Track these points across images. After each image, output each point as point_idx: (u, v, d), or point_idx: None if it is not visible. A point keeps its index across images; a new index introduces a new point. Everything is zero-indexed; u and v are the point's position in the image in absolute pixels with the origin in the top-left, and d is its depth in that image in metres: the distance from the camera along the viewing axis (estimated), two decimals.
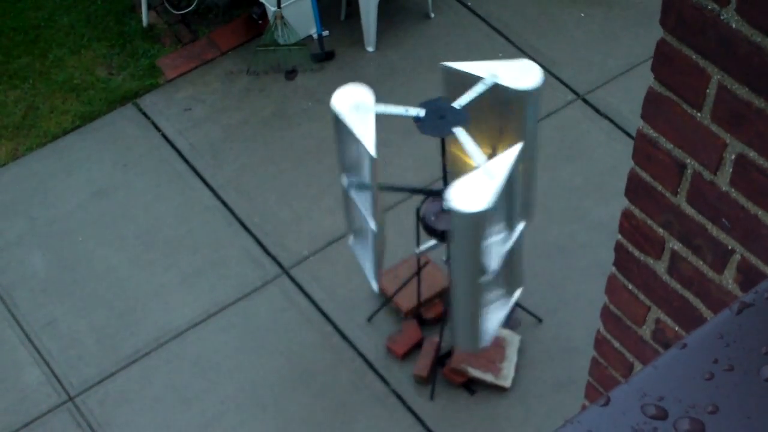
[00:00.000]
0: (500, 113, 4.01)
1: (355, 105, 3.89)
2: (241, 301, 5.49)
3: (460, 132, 3.93)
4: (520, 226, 4.01)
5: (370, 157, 3.82)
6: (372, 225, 4.14)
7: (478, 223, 3.58)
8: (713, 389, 0.99)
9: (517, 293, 4.29)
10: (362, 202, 4.17)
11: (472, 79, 3.98)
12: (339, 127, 3.96)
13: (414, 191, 4.88)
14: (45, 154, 6.13)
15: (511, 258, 4.08)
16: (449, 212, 4.36)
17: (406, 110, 4.01)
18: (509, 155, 3.66)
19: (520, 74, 3.91)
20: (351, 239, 4.57)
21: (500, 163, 3.63)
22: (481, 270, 3.83)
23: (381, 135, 3.87)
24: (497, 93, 3.94)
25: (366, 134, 3.82)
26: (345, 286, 5.45)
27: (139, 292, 5.54)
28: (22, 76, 6.47)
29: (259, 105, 6.29)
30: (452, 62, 4.06)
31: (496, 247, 3.91)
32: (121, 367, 5.30)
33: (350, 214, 4.39)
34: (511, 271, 4.16)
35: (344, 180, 4.17)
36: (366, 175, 4.02)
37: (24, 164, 6.09)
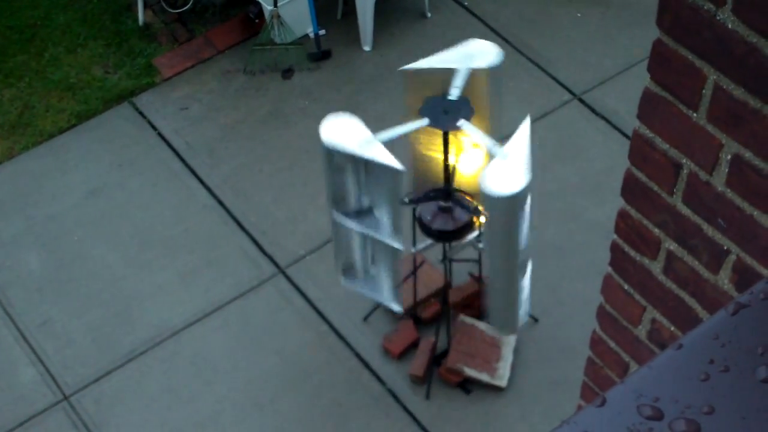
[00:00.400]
0: (472, 98, 4.05)
1: (352, 135, 3.87)
2: (237, 300, 5.48)
3: (465, 124, 3.96)
4: (529, 200, 4.01)
5: (398, 172, 3.77)
6: (397, 244, 4.09)
7: (516, 203, 3.61)
8: (709, 390, 1.00)
9: (530, 266, 4.31)
10: (374, 226, 4.10)
11: (437, 75, 4.01)
12: (332, 160, 3.90)
13: (429, 199, 4.79)
14: (41, 153, 6.12)
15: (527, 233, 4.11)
16: (446, 212, 4.37)
17: (409, 126, 4.03)
18: (523, 131, 3.71)
19: (480, 54, 3.98)
20: (343, 279, 4.50)
21: (519, 141, 3.66)
22: (518, 249, 3.86)
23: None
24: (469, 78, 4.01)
25: (383, 154, 3.79)
26: (341, 285, 5.45)
27: (135, 292, 5.54)
28: (18, 74, 6.47)
29: (255, 104, 6.29)
30: (412, 64, 4.09)
31: (526, 224, 3.94)
32: (117, 366, 5.30)
33: (343, 249, 4.32)
34: (527, 246, 4.18)
35: (337, 215, 4.12)
36: (385, 195, 3.96)
37: (20, 163, 6.09)
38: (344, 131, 3.89)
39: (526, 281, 4.24)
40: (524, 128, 3.74)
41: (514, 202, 3.61)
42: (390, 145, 3.89)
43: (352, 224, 4.12)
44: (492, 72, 3.97)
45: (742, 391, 0.99)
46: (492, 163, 3.67)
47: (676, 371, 1.01)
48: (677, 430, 0.96)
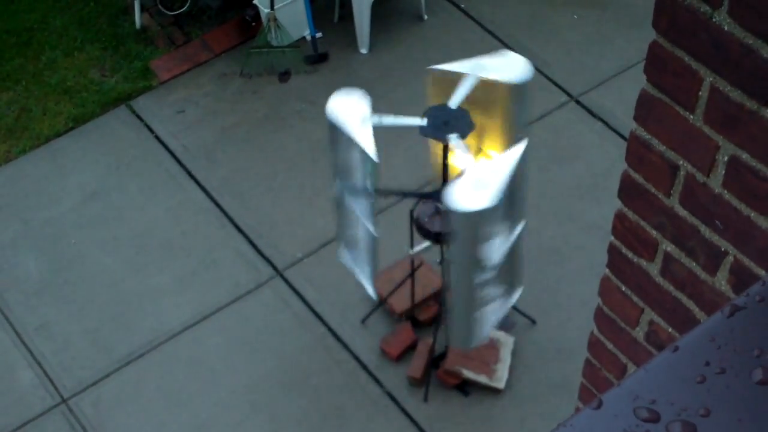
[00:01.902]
0: (489, 111, 4.01)
1: (362, 118, 3.88)
2: (234, 303, 5.48)
3: (453, 139, 3.94)
4: (521, 226, 4.01)
5: (373, 162, 3.81)
6: (371, 229, 4.13)
7: (478, 222, 3.57)
8: (705, 392, 1.00)
9: (517, 294, 4.28)
10: (359, 207, 4.16)
11: (460, 78, 3.99)
12: (334, 133, 3.95)
13: (409, 195, 4.88)
14: (38, 156, 6.12)
15: (511, 257, 4.08)
16: (443, 213, 4.37)
17: (407, 121, 4.03)
18: (511, 154, 3.66)
19: (506, 67, 3.91)
20: (341, 249, 4.54)
21: (501, 163, 3.62)
22: (480, 268, 3.83)
23: (375, 136, 3.87)
24: (485, 89, 3.94)
25: (366, 139, 3.81)
26: (339, 287, 5.45)
27: (133, 294, 5.53)
28: (15, 78, 6.46)
29: (252, 107, 6.29)
30: (438, 65, 4.06)
31: (497, 245, 3.90)
32: (115, 369, 5.29)
33: (342, 220, 4.37)
34: (510, 271, 4.15)
35: (337, 186, 4.16)
36: (363, 180, 4.01)
37: (17, 166, 6.08)
38: (349, 107, 3.90)
39: (498, 305, 4.19)
40: (517, 150, 3.70)
41: (474, 220, 3.56)
42: (411, 140, 3.91)
43: (345, 198, 4.14)
44: (513, 88, 3.90)
45: (738, 393, 0.99)
46: (465, 176, 3.61)
47: (673, 373, 1.01)
48: None
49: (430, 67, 4.08)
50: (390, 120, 4.01)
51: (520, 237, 4.04)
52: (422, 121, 4.02)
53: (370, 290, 4.48)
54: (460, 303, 4.04)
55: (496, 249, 3.87)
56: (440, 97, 4.07)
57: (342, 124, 3.87)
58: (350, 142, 3.87)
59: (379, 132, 3.93)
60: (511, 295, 4.26)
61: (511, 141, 3.94)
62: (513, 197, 3.82)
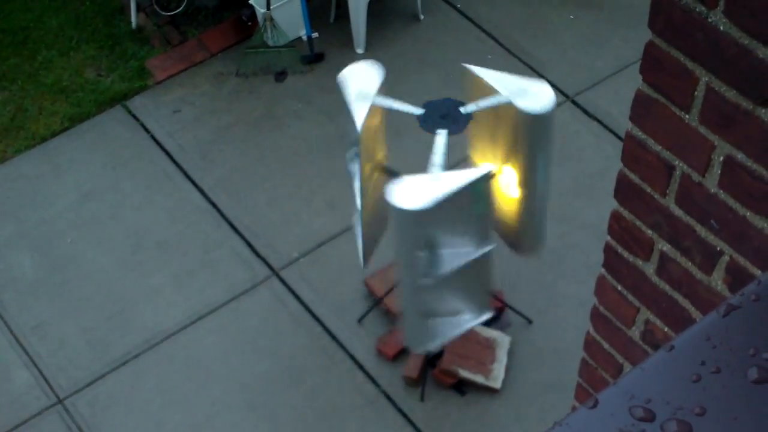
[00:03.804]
0: (511, 132, 3.94)
1: (359, 84, 3.90)
2: (231, 302, 5.48)
3: (441, 135, 3.93)
4: (485, 249, 3.94)
5: (358, 135, 3.82)
6: (357, 203, 4.14)
7: (410, 221, 3.59)
8: (700, 391, 1.00)
9: (481, 318, 4.20)
10: (356, 177, 4.15)
11: (487, 89, 3.93)
12: (346, 101, 3.96)
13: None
14: (34, 156, 6.11)
15: (472, 278, 4.03)
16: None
17: (408, 108, 4.03)
18: (472, 173, 3.65)
19: (533, 95, 3.83)
20: (355, 216, 4.53)
21: (458, 176, 3.63)
22: (420, 273, 3.82)
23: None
24: (511, 111, 3.86)
25: (359, 111, 3.82)
26: (335, 287, 5.45)
27: (129, 294, 5.53)
28: (10, 77, 6.46)
29: (248, 107, 6.29)
30: (474, 66, 4.01)
31: (444, 257, 3.87)
32: (111, 369, 5.29)
33: (354, 189, 4.36)
34: (473, 292, 4.11)
35: (348, 154, 4.15)
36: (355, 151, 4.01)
37: (12, 166, 6.08)
38: (360, 78, 3.93)
39: (457, 321, 4.17)
40: (477, 171, 3.68)
41: (406, 218, 3.57)
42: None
43: (351, 167, 4.13)
44: (531, 118, 3.82)
45: (734, 392, 1.00)
46: (415, 176, 3.64)
47: (668, 373, 1.01)
48: (669, 431, 0.96)
49: (467, 65, 4.01)
50: (389, 102, 4.01)
51: (485, 260, 3.98)
52: (418, 110, 4.03)
53: (360, 260, 4.44)
54: (405, 302, 4.06)
55: (443, 260, 3.86)
56: (477, 94, 4.01)
57: (345, 92, 3.88)
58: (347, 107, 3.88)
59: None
60: (475, 317, 4.20)
61: (527, 169, 3.92)
62: (469, 216, 3.79)
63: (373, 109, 3.93)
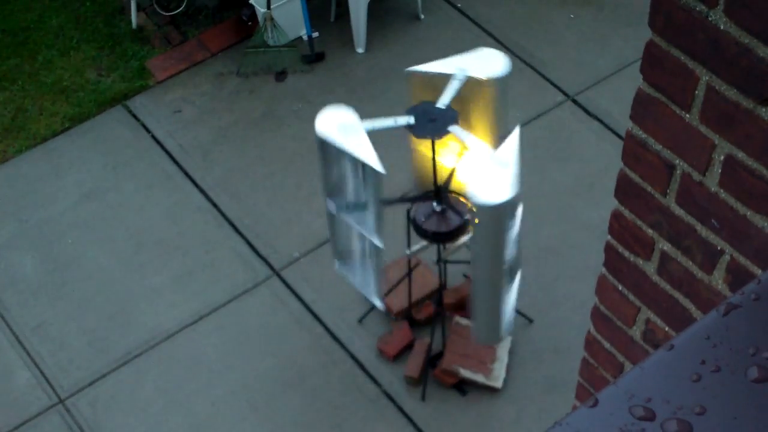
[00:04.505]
0: (470, 107, 4.02)
1: (343, 126, 3.87)
2: (231, 302, 5.48)
3: (456, 129, 3.95)
4: (520, 209, 4.01)
5: (377, 173, 3.78)
6: (377, 242, 4.11)
7: (503, 213, 3.60)
8: (700, 390, 1.00)
9: (518, 276, 4.29)
10: (361, 221, 4.13)
11: (441, 78, 3.99)
12: (326, 151, 3.93)
13: (414, 200, 4.81)
14: (34, 156, 6.12)
15: (517, 243, 4.09)
16: (440, 214, 4.37)
17: (395, 121, 4.03)
18: (512, 140, 3.68)
19: (486, 64, 3.94)
20: (337, 264, 4.54)
21: (507, 150, 3.64)
22: (503, 261, 3.84)
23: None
24: (467, 87, 3.96)
25: (367, 153, 3.80)
26: (336, 287, 5.45)
27: (130, 294, 5.53)
28: (11, 77, 6.46)
29: (249, 106, 6.29)
30: (416, 66, 4.07)
31: (513, 234, 3.92)
32: (112, 369, 5.29)
33: (337, 237, 4.36)
34: (516, 255, 4.16)
35: (330, 205, 4.14)
36: (368, 193, 3.98)
37: (13, 166, 6.08)
38: (337, 122, 3.91)
39: (513, 291, 4.22)
40: (514, 137, 3.73)
41: (501, 211, 3.59)
42: (390, 142, 3.90)
43: (342, 215, 4.14)
44: (496, 82, 3.93)
45: (734, 392, 1.00)
46: (479, 171, 3.65)
47: (668, 372, 1.01)
48: (669, 430, 0.96)
49: (409, 69, 4.09)
50: (380, 122, 4.01)
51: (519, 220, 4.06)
52: (410, 120, 4.03)
53: (378, 303, 4.45)
54: (487, 298, 4.06)
55: (513, 238, 3.90)
56: (423, 96, 4.08)
57: (337, 141, 3.85)
58: (347, 157, 3.84)
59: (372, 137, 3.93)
60: (515, 279, 4.27)
61: (498, 134, 3.97)
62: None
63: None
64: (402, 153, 4.67)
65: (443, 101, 4.01)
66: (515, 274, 4.22)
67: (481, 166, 3.72)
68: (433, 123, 4.02)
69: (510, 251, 3.91)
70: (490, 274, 3.94)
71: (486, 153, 3.83)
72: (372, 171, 3.79)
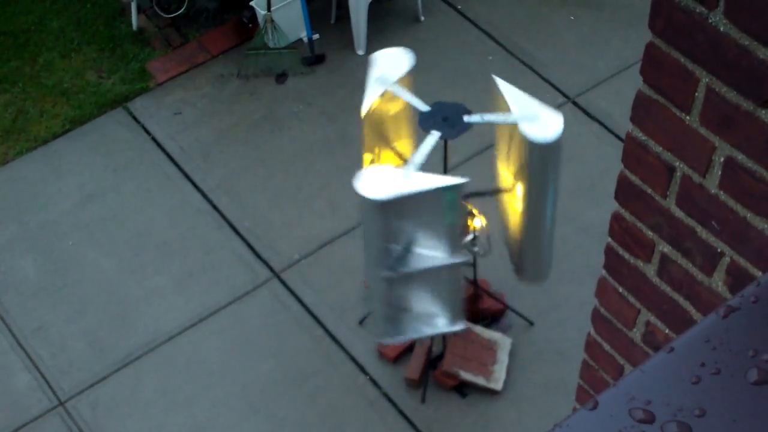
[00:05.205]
0: (520, 153, 3.93)
1: (382, 76, 3.93)
2: (232, 304, 5.48)
3: (433, 136, 3.92)
4: (454, 260, 3.89)
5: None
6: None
7: (375, 211, 3.60)
8: (700, 393, 1.00)
9: (453, 328, 4.13)
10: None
11: (503, 105, 3.93)
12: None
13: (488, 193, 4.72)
14: (35, 159, 6.12)
15: (443, 285, 4.01)
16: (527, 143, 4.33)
17: (415, 102, 4.03)
18: (442, 180, 3.63)
19: (541, 122, 3.82)
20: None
21: (429, 179, 3.63)
22: (384, 264, 3.82)
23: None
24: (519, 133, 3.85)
25: (370, 92, 3.88)
26: (336, 289, 5.45)
27: (130, 296, 5.53)
28: (11, 80, 6.46)
29: (249, 108, 6.29)
30: (502, 80, 3.99)
31: (414, 257, 3.85)
32: (112, 371, 5.29)
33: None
34: (443, 298, 4.06)
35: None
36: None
37: (14, 168, 6.08)
38: (389, 63, 4.02)
39: (425, 322, 4.17)
40: (448, 179, 3.66)
41: (370, 206, 3.60)
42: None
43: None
44: (531, 145, 3.81)
45: (733, 394, 1.00)
46: (385, 167, 3.67)
47: (668, 374, 1.01)
48: None
49: (497, 77, 4.00)
50: (403, 92, 4.02)
51: (455, 272, 4.02)
52: (425, 107, 4.03)
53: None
54: (372, 291, 4.06)
55: (410, 259, 3.88)
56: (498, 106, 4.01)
57: (369, 73, 3.88)
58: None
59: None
60: (448, 326, 4.19)
61: (528, 195, 3.95)
62: (438, 224, 3.84)
63: (391, 96, 3.94)
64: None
65: (473, 119, 3.98)
66: (445, 319, 4.14)
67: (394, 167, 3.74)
68: (443, 122, 4.01)
69: (396, 267, 3.86)
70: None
71: (412, 168, 3.74)
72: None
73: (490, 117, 3.93)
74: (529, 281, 4.61)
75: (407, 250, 3.83)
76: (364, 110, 3.85)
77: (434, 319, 4.13)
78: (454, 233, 3.85)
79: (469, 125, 3.99)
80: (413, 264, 3.88)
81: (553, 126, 3.80)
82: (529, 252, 4.23)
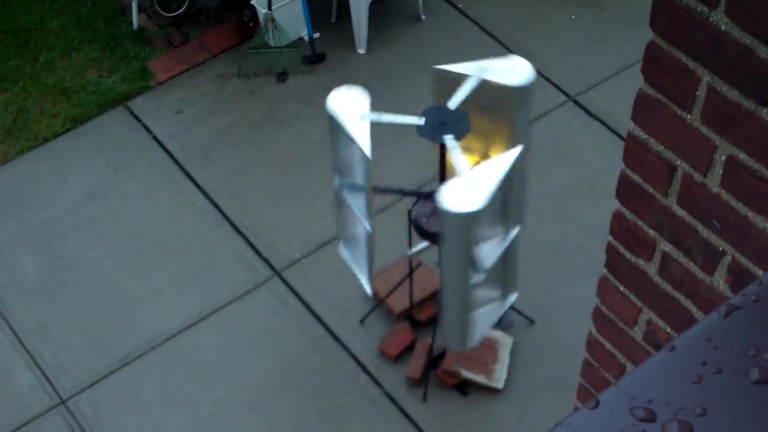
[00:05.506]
0: (492, 114, 4.00)
1: (351, 108, 3.89)
2: (233, 303, 5.48)
3: (449, 140, 3.93)
4: (515, 230, 4.01)
5: (366, 158, 3.82)
6: (367, 226, 4.14)
7: (469, 224, 3.58)
8: (701, 392, 1.00)
9: (512, 297, 4.29)
10: (356, 203, 4.16)
11: (462, 79, 3.98)
12: (334, 129, 3.95)
13: (407, 193, 4.89)
14: (36, 157, 6.12)
15: (506, 261, 4.07)
16: (441, 214, 4.37)
17: (406, 119, 4.02)
18: (506, 158, 3.66)
19: (510, 71, 3.90)
20: (341, 245, 4.56)
21: (495, 166, 3.63)
22: (472, 271, 3.83)
23: (373, 136, 3.87)
24: (488, 92, 3.93)
25: (362, 135, 3.82)
26: (337, 288, 5.45)
27: (131, 295, 5.53)
28: (12, 79, 6.46)
29: (250, 107, 6.29)
30: (443, 65, 4.05)
31: (490, 248, 3.90)
32: (113, 370, 5.29)
33: (342, 216, 4.39)
34: (505, 275, 4.15)
35: (336, 181, 4.17)
36: (360, 177, 4.02)
37: (15, 167, 6.08)
38: (348, 103, 3.91)
39: (493, 307, 4.19)
40: (509, 154, 3.70)
41: (465, 221, 3.56)
42: (411, 139, 3.90)
43: (343, 194, 4.14)
44: (515, 91, 3.87)
45: (735, 393, 1.00)
46: (457, 179, 3.62)
47: (669, 373, 1.01)
48: (670, 431, 0.96)
49: (435, 66, 4.07)
50: (388, 118, 4.01)
51: (514, 241, 4.04)
52: (419, 121, 4.02)
53: (367, 287, 4.48)
54: (454, 304, 4.05)
55: (489, 252, 3.88)
56: (442, 97, 4.06)
57: (340, 120, 3.88)
58: (348, 138, 3.87)
59: (377, 131, 3.93)
60: (506, 299, 4.26)
61: (512, 145, 3.94)
62: (507, 201, 3.82)
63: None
64: (415, 151, 4.68)
65: (453, 102, 4.00)
66: (505, 293, 4.19)
67: (463, 173, 3.70)
68: (441, 126, 4.01)
69: (484, 265, 3.88)
70: (454, 282, 3.92)
71: (465, 171, 3.78)
72: (362, 155, 3.81)
73: (463, 90, 3.95)
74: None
75: (486, 245, 3.84)
76: (368, 152, 3.81)
77: (495, 302, 4.18)
78: (522, 202, 3.87)
79: (466, 114, 3.99)
80: (494, 255, 3.90)
81: (522, 67, 3.85)
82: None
